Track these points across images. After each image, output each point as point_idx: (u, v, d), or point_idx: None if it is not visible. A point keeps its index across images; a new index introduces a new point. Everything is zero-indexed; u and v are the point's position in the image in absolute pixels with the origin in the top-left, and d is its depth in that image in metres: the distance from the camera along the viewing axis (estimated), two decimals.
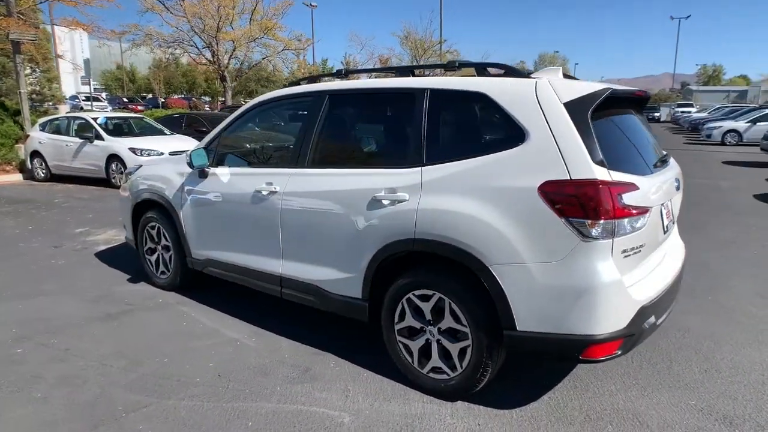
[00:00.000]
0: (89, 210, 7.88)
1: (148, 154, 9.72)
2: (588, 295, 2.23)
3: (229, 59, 21.03)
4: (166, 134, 11.42)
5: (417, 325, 2.77)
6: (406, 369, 2.86)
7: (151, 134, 11.19)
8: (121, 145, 10.00)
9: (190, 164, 3.69)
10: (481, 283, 2.47)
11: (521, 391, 2.81)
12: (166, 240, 4.23)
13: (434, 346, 2.73)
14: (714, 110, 32.57)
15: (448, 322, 2.64)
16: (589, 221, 2.20)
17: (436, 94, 2.75)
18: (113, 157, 10.03)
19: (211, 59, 20.69)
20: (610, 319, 2.27)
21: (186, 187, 3.93)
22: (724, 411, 2.62)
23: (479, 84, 2.62)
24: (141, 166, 4.62)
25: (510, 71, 2.68)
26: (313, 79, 3.59)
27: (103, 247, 5.75)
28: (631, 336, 2.35)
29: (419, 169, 2.69)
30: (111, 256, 5.39)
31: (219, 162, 3.81)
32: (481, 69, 2.77)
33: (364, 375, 2.99)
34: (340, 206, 2.97)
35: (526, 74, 2.63)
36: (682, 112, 40.69)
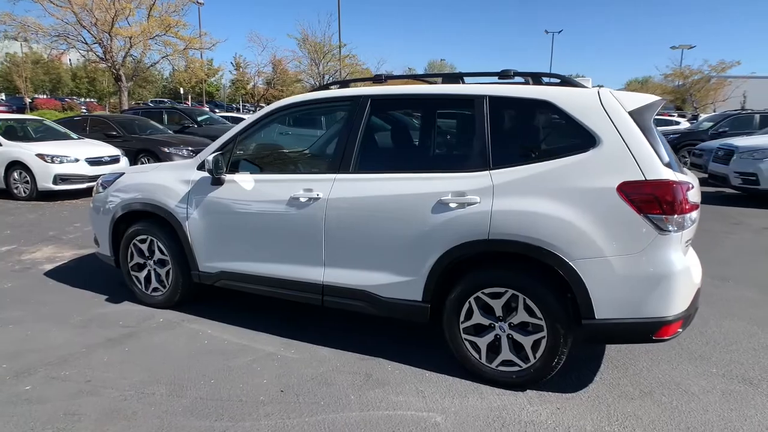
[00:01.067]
0: (1, 225, 6.87)
1: (61, 161, 8.72)
2: (665, 282, 2.53)
3: (125, 57, 19.30)
4: (74, 138, 10.26)
5: (485, 322, 2.89)
6: (473, 365, 2.96)
7: (54, 138, 9.97)
8: (24, 150, 8.81)
9: (214, 171, 3.45)
10: (558, 278, 2.66)
11: (573, 375, 3.05)
12: (162, 254, 3.89)
13: (504, 341, 2.87)
14: None
15: (521, 316, 2.80)
16: (665, 217, 2.50)
17: (498, 100, 2.91)
18: (15, 164, 8.81)
19: (103, 56, 18.83)
20: (679, 301, 2.59)
21: (194, 196, 3.66)
22: (741, 374, 3.09)
23: (544, 92, 2.82)
24: (121, 174, 4.18)
25: (566, 81, 2.91)
26: (345, 83, 3.55)
27: (49, 266, 5.07)
28: (690, 315, 2.69)
29: (487, 172, 2.82)
30: (67, 275, 4.79)
31: (233, 168, 3.61)
32: (537, 78, 2.97)
33: (427, 375, 3.04)
34: (399, 211, 3.00)
35: (579, 84, 2.89)
36: None
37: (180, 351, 3.32)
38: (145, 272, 4.04)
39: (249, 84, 36.16)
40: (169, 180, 3.83)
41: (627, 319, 2.60)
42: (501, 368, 2.90)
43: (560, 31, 51.91)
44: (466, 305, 2.91)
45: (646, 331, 2.61)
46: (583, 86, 2.83)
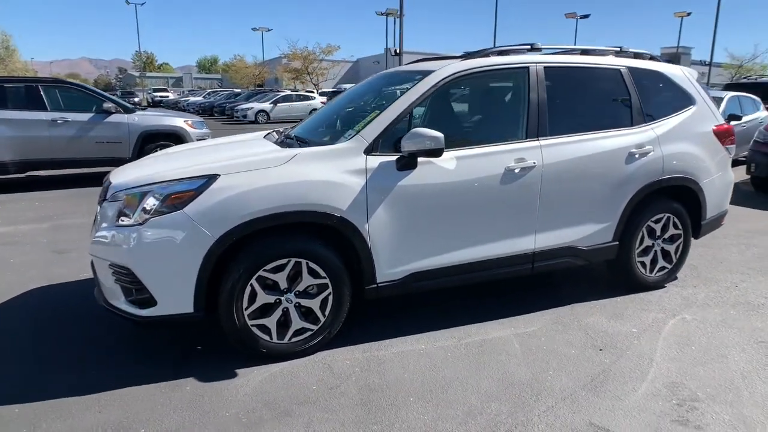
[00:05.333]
0: None
1: None
2: (729, 187, 4.05)
3: None
4: None
5: (649, 242, 3.76)
6: (637, 278, 3.78)
7: None
8: None
9: (434, 151, 2.79)
10: (692, 198, 3.80)
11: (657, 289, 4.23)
12: (316, 277, 2.82)
13: (659, 254, 3.82)
14: (207, 95, 36.80)
15: (670, 232, 3.81)
16: (731, 146, 3.98)
17: (634, 71, 3.69)
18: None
19: None
20: (730, 198, 4.17)
21: (375, 189, 2.85)
22: None
23: (657, 65, 3.80)
24: (211, 178, 2.60)
25: (653, 57, 3.95)
26: (504, 51, 3.41)
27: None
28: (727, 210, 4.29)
29: (649, 126, 3.62)
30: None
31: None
32: (622, 52, 3.86)
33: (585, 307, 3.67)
34: (601, 166, 3.42)
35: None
36: (161, 96, 43.47)
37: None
38: (276, 314, 2.79)
39: None
40: (324, 174, 2.78)
41: (715, 215, 4.01)
42: (657, 274, 3.85)
43: (143, 3, 48.46)
44: (639, 234, 3.68)
45: (719, 221, 4.09)
46: (657, 60, 3.96)
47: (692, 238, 3.93)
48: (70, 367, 2.78)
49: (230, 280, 2.64)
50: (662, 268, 3.88)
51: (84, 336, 3.14)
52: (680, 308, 3.55)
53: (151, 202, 2.57)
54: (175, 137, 8.54)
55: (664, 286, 3.91)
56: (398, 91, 3.44)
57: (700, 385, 2.62)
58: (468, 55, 4.10)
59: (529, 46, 3.49)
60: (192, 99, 36.27)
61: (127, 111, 8.43)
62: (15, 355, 2.92)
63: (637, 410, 2.41)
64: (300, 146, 3.07)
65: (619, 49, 3.86)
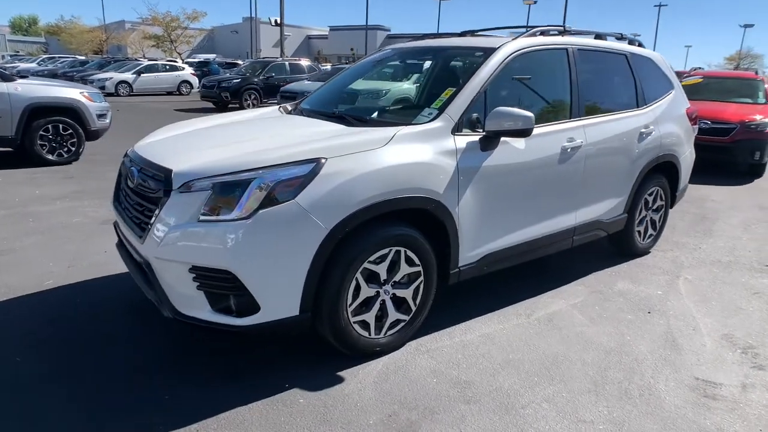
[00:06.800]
0: None
1: None
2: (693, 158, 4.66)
3: None
4: None
5: (644, 213, 4.19)
6: (635, 246, 4.21)
7: None
8: None
9: (525, 130, 2.75)
10: (674, 172, 4.31)
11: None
12: (411, 266, 2.66)
13: (649, 223, 4.28)
14: (42, 61, 31.53)
15: (657, 203, 4.29)
16: (696, 126, 4.57)
17: (633, 56, 4.02)
18: None
19: None
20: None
21: (464, 170, 2.75)
22: None
23: (647, 51, 4.18)
24: (317, 163, 2.26)
25: (640, 44, 4.32)
26: (545, 32, 3.43)
27: None
28: None
29: (649, 108, 4.00)
30: None
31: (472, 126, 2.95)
32: (633, 41, 4.21)
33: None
34: (623, 144, 3.72)
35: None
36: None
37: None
38: (375, 308, 2.58)
39: None
40: (423, 156, 2.60)
41: (683, 186, 4.58)
42: (646, 241, 4.32)
43: None
44: (641, 204, 4.08)
45: (684, 190, 4.68)
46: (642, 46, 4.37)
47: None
48: (128, 400, 2.28)
49: (337, 274, 2.37)
50: (650, 236, 4.36)
51: (124, 358, 2.58)
52: (676, 270, 4.04)
53: (258, 192, 2.17)
54: (72, 112, 7.22)
55: (650, 252, 4.41)
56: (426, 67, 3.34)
57: (745, 334, 3.04)
58: (467, 33, 4.09)
59: (562, 28, 3.61)
60: (22, 66, 30.64)
61: (5, 78, 6.88)
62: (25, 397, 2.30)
63: (719, 362, 2.73)
64: (362, 125, 2.84)
65: (620, 35, 4.17)
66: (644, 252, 4.35)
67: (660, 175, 4.19)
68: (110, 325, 2.90)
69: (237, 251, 2.16)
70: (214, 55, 38.95)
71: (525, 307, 3.30)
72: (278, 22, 24.49)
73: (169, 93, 23.00)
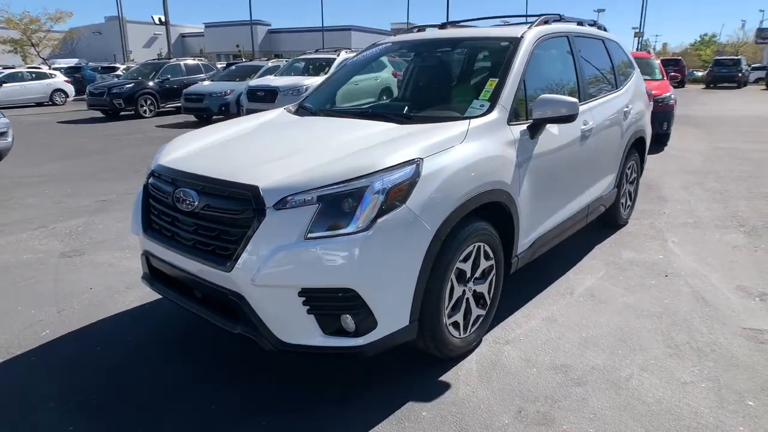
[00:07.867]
0: None
1: None
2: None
3: None
4: None
5: (625, 186, 4.54)
6: (619, 216, 4.56)
7: None
8: None
9: (570, 116, 2.83)
10: (641, 147, 4.71)
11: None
12: (487, 260, 2.65)
13: (627, 194, 4.65)
14: None
15: (633, 176, 4.66)
16: (651, 102, 5.02)
17: (607, 40, 4.32)
18: None
19: None
20: None
21: (521, 160, 2.79)
22: None
23: (613, 36, 4.51)
24: (417, 162, 2.13)
25: (601, 27, 4.63)
26: (547, 20, 3.52)
27: None
28: None
29: (624, 88, 4.33)
30: None
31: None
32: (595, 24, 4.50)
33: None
34: (615, 124, 3.99)
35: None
36: None
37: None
38: (462, 307, 2.54)
39: None
40: (494, 149, 2.59)
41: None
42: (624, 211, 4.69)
43: None
44: (624, 178, 4.42)
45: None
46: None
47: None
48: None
49: (437, 276, 2.28)
50: (628, 206, 4.74)
51: (215, 401, 2.27)
52: (659, 235, 4.44)
53: (373, 200, 2.01)
54: None
55: (628, 221, 4.80)
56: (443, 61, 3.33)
57: (753, 284, 3.42)
58: (447, 24, 4.15)
59: (558, 16, 3.76)
60: None
61: None
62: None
63: (749, 311, 3.05)
64: (408, 122, 2.76)
65: (593, 22, 4.44)
66: (625, 222, 4.71)
67: (634, 150, 4.56)
68: (168, 368, 2.53)
69: (358, 266, 1.99)
70: (77, 60, 35.33)
71: (562, 286, 3.43)
72: (162, 20, 22.75)
73: (40, 104, 20.41)
